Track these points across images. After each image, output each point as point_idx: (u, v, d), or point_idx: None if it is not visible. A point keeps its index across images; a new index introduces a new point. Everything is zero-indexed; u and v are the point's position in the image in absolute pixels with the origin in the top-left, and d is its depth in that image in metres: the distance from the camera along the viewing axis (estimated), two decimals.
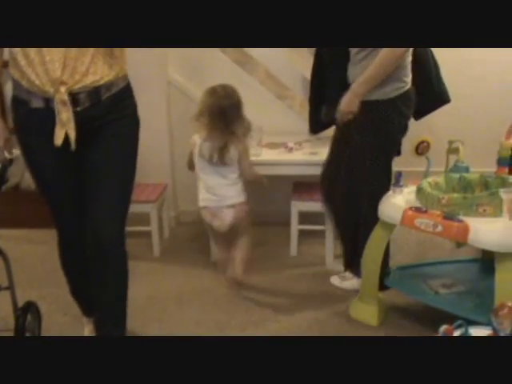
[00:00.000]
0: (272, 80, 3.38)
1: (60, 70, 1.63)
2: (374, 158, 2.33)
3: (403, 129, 2.40)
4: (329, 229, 2.82)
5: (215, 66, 3.20)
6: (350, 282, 2.58)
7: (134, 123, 1.86)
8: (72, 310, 2.24)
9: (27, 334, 2.04)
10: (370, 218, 2.36)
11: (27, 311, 2.06)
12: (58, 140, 1.69)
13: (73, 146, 1.71)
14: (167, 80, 3.24)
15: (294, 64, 3.24)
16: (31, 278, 2.65)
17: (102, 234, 1.79)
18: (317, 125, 3.04)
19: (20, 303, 2.00)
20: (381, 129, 2.31)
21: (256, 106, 3.17)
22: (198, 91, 3.21)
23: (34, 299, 2.09)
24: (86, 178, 1.81)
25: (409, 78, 2.32)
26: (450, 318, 1.75)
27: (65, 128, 1.68)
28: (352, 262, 2.55)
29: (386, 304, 2.37)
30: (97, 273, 1.85)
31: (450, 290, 2.24)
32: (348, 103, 2.33)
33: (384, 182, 2.38)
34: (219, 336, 2.23)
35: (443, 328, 1.41)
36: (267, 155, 2.77)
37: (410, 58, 2.31)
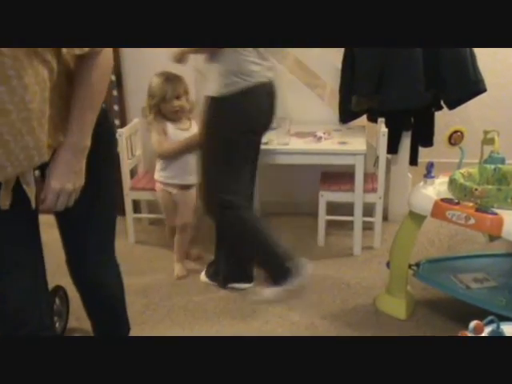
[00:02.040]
0: (302, 69, 3.33)
1: None
2: (214, 159, 2.20)
3: (249, 127, 2.18)
4: (357, 220, 2.77)
5: None
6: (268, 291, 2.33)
7: (107, 151, 1.49)
8: None
9: (55, 318, 2.07)
10: (226, 231, 2.31)
11: (55, 295, 2.09)
12: (4, 201, 1.29)
13: (32, 203, 1.34)
14: (194, 66, 3.22)
15: (324, 53, 3.18)
16: (61, 263, 2.68)
17: (99, 281, 1.62)
18: (347, 114, 3.00)
19: (49, 287, 2.02)
20: (215, 126, 2.17)
21: (285, 95, 3.14)
22: None
23: (62, 284, 2.12)
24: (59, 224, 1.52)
25: (247, 77, 2.10)
26: (480, 314, 1.69)
27: (10, 185, 1.29)
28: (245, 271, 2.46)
29: (415, 297, 2.32)
30: (94, 308, 1.72)
31: (481, 285, 2.17)
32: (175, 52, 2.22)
33: (231, 185, 2.19)
34: (237, 336, 2.22)
35: (473, 324, 1.36)
36: (295, 144, 2.73)
37: (244, 58, 2.09)
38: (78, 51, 1.24)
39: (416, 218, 2.14)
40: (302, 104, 3.10)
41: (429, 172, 2.17)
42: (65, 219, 1.49)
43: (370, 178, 2.86)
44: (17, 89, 1.13)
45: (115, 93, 3.06)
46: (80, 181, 1.34)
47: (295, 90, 3.17)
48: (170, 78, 2.53)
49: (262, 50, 2.17)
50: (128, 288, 2.48)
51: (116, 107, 3.10)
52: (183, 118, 2.61)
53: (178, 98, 2.53)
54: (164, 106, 2.52)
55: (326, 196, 2.83)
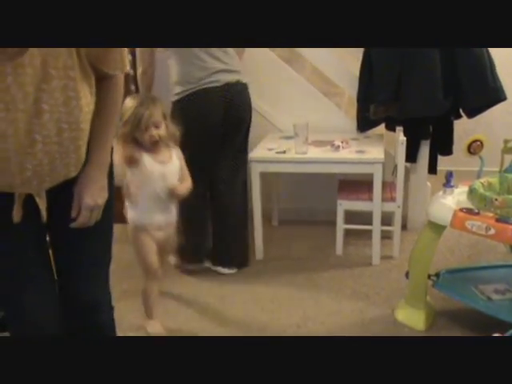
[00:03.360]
0: (319, 77, 3.33)
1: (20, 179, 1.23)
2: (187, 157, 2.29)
3: (197, 127, 2.42)
4: (376, 229, 2.75)
5: (262, 62, 3.18)
6: None
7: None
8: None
9: None
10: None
11: None
12: (17, 214, 1.31)
13: (43, 216, 1.38)
14: None
15: (342, 61, 3.18)
16: None
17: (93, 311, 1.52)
18: (365, 123, 2.99)
19: None
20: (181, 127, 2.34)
21: (303, 104, 3.15)
22: None
23: None
24: (54, 244, 1.47)
25: (191, 84, 2.40)
26: (502, 326, 1.67)
27: (22, 198, 1.31)
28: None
29: (434, 308, 2.29)
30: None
31: (503, 296, 2.14)
32: None
33: (195, 181, 2.26)
34: (258, 336, 2.22)
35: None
36: (313, 153, 2.73)
37: (187, 68, 2.40)
38: (117, 72, 1.32)
39: (435, 227, 2.12)
40: (319, 113, 3.11)
41: (448, 181, 2.15)
42: (60, 240, 1.45)
43: (388, 186, 2.85)
44: (74, 110, 1.22)
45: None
46: (106, 195, 1.39)
47: (313, 99, 3.18)
48: (146, 102, 2.08)
49: (219, 55, 2.39)
50: None
51: None
52: (162, 148, 2.15)
53: (156, 126, 2.07)
54: (139, 135, 2.07)
55: (344, 205, 2.81)
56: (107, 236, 1.51)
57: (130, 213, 2.14)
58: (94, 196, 1.35)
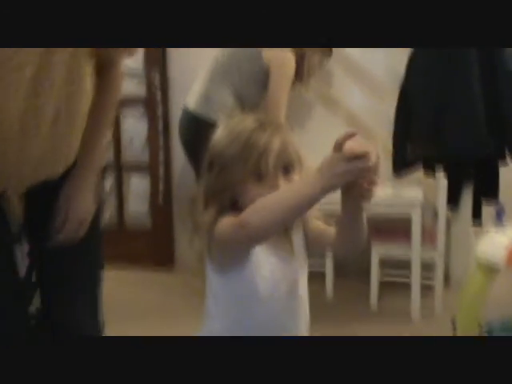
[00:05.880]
0: (355, 121, 3.22)
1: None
2: None
3: None
4: (415, 279, 2.45)
5: (299, 103, 3.09)
6: None
7: None
8: None
9: None
10: None
11: None
12: None
13: (20, 220, 1.22)
14: None
15: (380, 105, 3.08)
16: None
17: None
18: (401, 164, 2.78)
19: None
20: None
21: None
22: None
23: None
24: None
25: None
26: None
27: None
28: None
29: None
30: None
31: None
32: None
33: None
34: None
35: None
36: None
37: None
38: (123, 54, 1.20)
39: (486, 269, 1.84)
40: None
41: (499, 217, 1.91)
42: (39, 254, 1.25)
43: (428, 234, 2.57)
44: (74, 96, 1.10)
45: None
46: (95, 205, 1.22)
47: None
48: (269, 126, 0.98)
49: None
50: None
51: None
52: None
53: (286, 170, 0.98)
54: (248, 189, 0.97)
55: (379, 250, 2.55)
56: (95, 252, 1.29)
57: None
58: (86, 204, 1.16)
